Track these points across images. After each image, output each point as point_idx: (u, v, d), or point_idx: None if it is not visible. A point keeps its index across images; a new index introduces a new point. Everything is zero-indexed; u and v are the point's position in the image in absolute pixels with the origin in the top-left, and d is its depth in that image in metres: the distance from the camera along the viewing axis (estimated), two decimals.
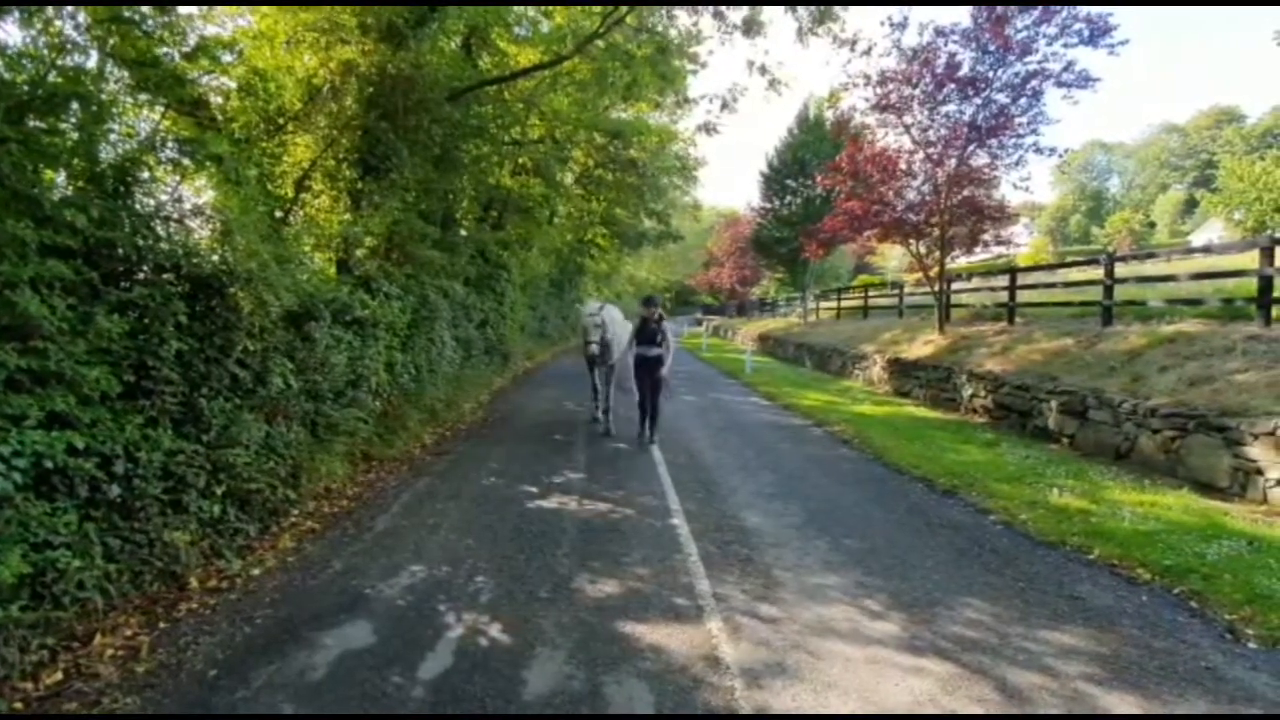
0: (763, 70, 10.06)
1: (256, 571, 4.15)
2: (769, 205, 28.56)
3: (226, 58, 6.26)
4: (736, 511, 5.38)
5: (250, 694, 2.84)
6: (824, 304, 25.74)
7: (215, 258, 4.60)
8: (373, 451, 6.93)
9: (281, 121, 7.51)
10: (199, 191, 6.93)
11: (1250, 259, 8.67)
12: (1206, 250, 10.25)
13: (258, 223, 6.09)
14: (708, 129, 12.37)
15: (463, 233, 14.22)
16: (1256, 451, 5.70)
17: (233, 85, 7.17)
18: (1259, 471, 5.67)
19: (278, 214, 7.45)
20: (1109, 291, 9.94)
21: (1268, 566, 4.07)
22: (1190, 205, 59.44)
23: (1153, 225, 60.22)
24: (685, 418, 10.04)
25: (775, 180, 27.94)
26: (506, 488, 6.04)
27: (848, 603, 3.71)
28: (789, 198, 27.27)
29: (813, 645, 3.22)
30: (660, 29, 10.73)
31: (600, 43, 9.84)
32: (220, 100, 7.39)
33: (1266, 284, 7.68)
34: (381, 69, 6.97)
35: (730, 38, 9.80)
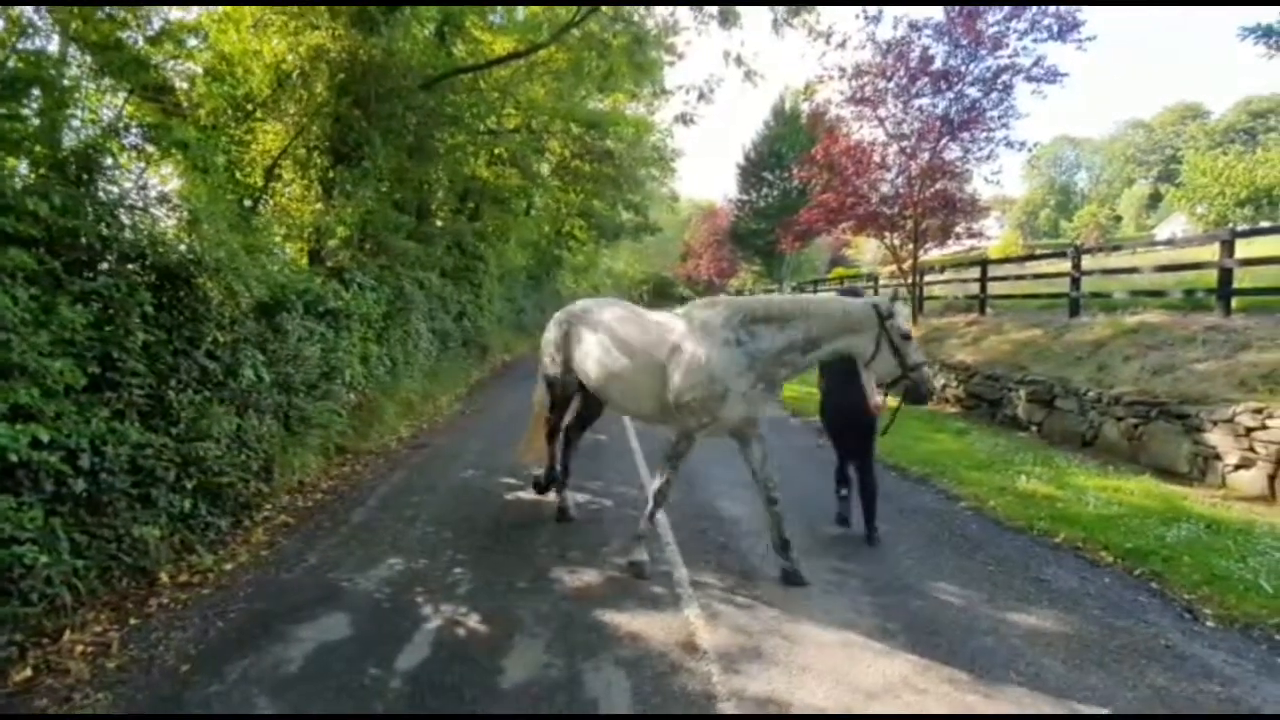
0: (739, 61, 10.08)
1: (229, 566, 4.09)
2: (746, 197, 28.70)
3: (192, 42, 6.10)
4: (714, 500, 5.43)
5: (224, 688, 2.80)
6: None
7: (182, 247, 4.50)
8: (348, 445, 6.85)
9: (250, 108, 7.35)
10: (165, 180, 6.77)
11: (1211, 252, 8.93)
12: (1170, 243, 10.55)
13: (226, 211, 5.98)
14: (685, 120, 12.37)
15: (439, 224, 14.06)
16: (1215, 438, 5.90)
17: (199, 70, 7.00)
18: (1217, 457, 5.87)
19: (247, 203, 7.31)
20: (1076, 284, 10.18)
21: (1225, 549, 4.23)
22: (1155, 199, 60.93)
23: (1119, 219, 61.62)
24: None
25: (752, 172, 28.07)
26: (484, 480, 6.02)
27: (823, 588, 3.78)
28: (765, 190, 27.44)
29: (788, 630, 3.28)
30: (637, 19, 10.67)
31: (576, 32, 9.76)
32: (186, 86, 7.20)
33: (1226, 276, 7.93)
34: (353, 55, 6.84)
35: (706, 28, 9.80)
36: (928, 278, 16.12)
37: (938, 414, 9.74)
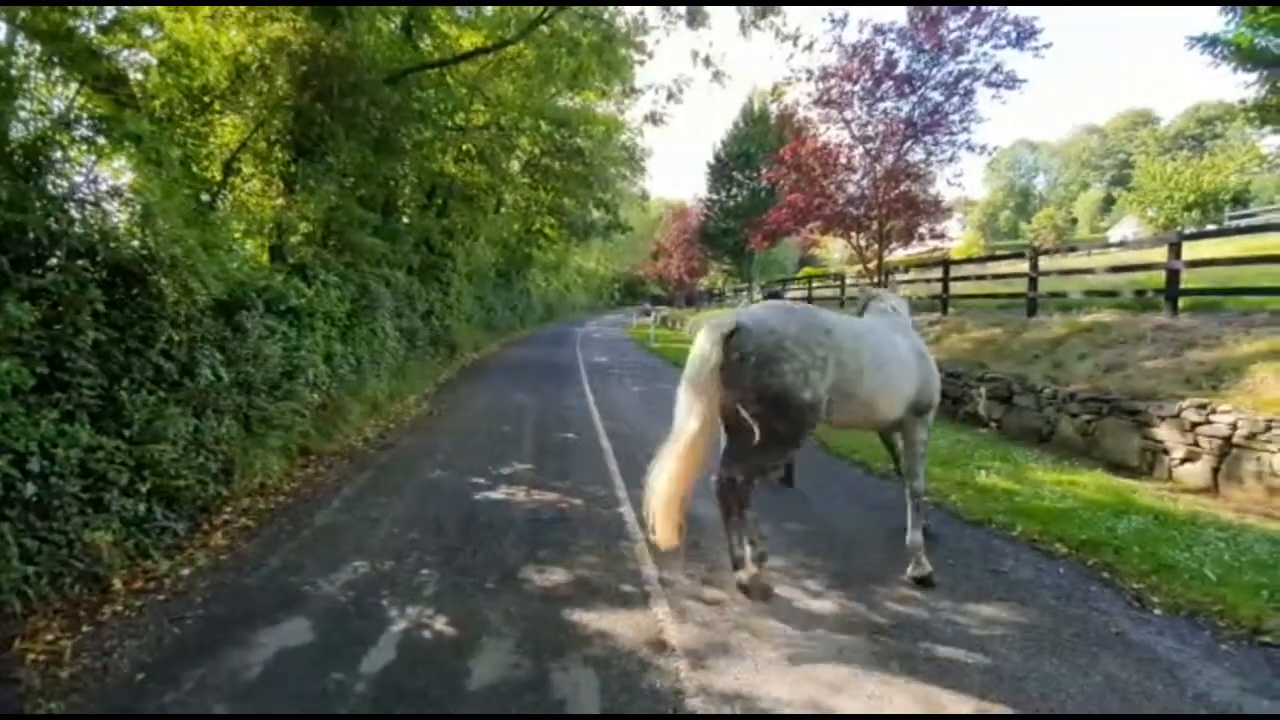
0: (707, 62, 10.14)
1: (186, 571, 3.98)
2: (715, 197, 28.87)
3: (147, 32, 5.89)
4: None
5: (180, 696, 2.73)
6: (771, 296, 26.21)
7: (135, 243, 4.35)
8: (311, 445, 6.71)
9: (207, 100, 7.14)
10: (118, 173, 6.55)
11: (1161, 254, 9.28)
12: (1122, 245, 10.92)
13: (181, 206, 5.80)
14: (654, 119, 12.40)
15: (405, 220, 13.85)
16: (1163, 433, 6.14)
17: (154, 61, 6.77)
18: (1165, 451, 6.11)
19: (204, 197, 7.10)
20: (1033, 284, 10.49)
21: (1171, 539, 4.40)
22: (1109, 203, 63.06)
23: (1075, 221, 63.64)
24: (634, 408, 10.09)
25: (721, 172, 28.25)
26: (453, 480, 5.95)
27: (789, 583, 3.83)
28: (735, 190, 27.64)
29: (755, 625, 3.32)
30: (607, 17, 10.64)
31: (545, 28, 9.70)
32: (140, 77, 6.96)
33: (1174, 277, 8.25)
34: (315, 48, 6.69)
35: (675, 27, 9.84)
36: (893, 277, 16.45)
37: None
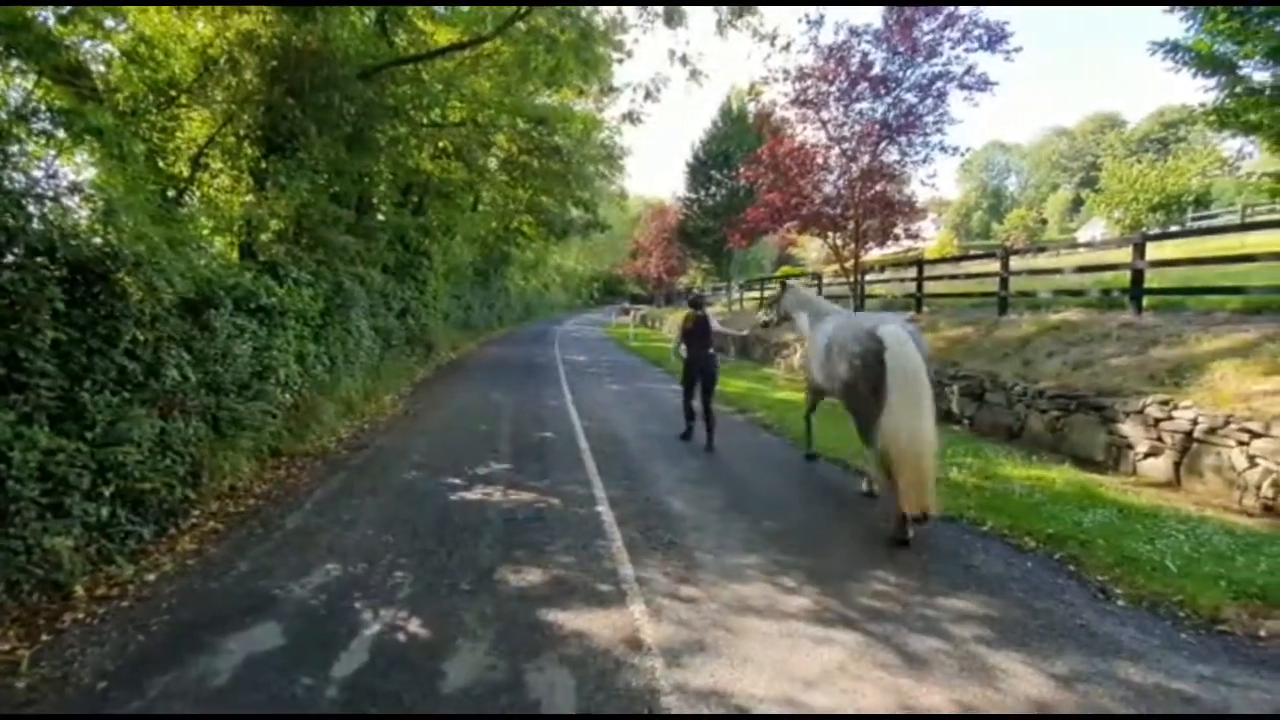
0: (684, 60, 10.16)
1: (152, 576, 3.90)
2: (694, 196, 28.94)
3: (109, 23, 5.73)
4: (661, 497, 5.46)
5: (145, 704, 2.67)
6: (748, 294, 26.33)
7: (97, 240, 4.24)
8: (283, 447, 6.60)
9: (174, 93, 6.97)
10: (80, 169, 6.37)
11: (1125, 254, 9.51)
12: (1089, 246, 11.16)
13: (147, 202, 5.67)
14: (632, 118, 12.40)
15: (380, 217, 13.68)
16: (1127, 428, 6.28)
17: (117, 53, 6.59)
18: (1129, 446, 6.26)
19: (171, 193, 6.94)
20: (1004, 283, 10.66)
21: (1135, 531, 4.51)
22: (1077, 204, 64.44)
23: (1045, 222, 64.96)
24: (612, 407, 10.08)
25: (700, 171, 28.33)
26: (428, 480, 5.89)
27: (765, 580, 3.86)
28: (714, 189, 27.74)
29: (731, 623, 3.33)
30: (585, 14, 10.60)
31: (522, 25, 9.63)
32: (103, 69, 6.77)
33: (1138, 276, 8.45)
34: (286, 41, 6.56)
35: (652, 26, 9.84)
36: (870, 276, 16.63)
37: None
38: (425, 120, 13.80)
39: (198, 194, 7.18)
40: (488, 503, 5.26)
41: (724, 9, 8.93)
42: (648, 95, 11.47)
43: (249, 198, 7.01)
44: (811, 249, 45.75)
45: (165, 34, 6.49)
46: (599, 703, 2.68)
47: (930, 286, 13.56)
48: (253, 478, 5.82)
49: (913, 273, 13.70)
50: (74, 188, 4.44)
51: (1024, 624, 3.38)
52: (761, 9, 9.28)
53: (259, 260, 7.29)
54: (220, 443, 5.56)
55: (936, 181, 21.50)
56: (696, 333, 7.15)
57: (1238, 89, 5.61)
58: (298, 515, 4.98)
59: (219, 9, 6.41)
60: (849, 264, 14.26)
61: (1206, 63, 5.67)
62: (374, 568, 3.99)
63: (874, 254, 16.61)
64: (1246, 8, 5.02)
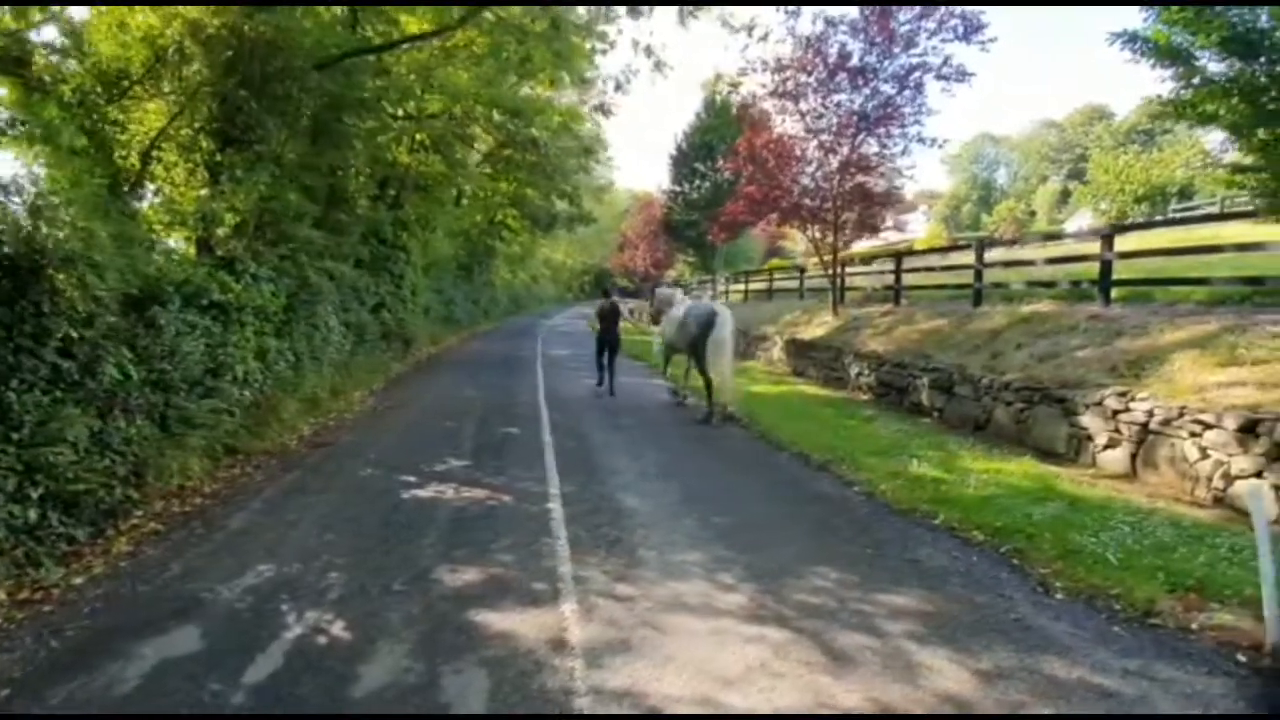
0: (648, 51, 10.08)
1: (80, 580, 3.81)
2: (678, 189, 28.83)
3: (36, 16, 5.59)
4: (615, 493, 5.42)
5: (45, 712, 2.60)
6: (734, 286, 26.31)
7: (24, 235, 4.13)
8: (239, 445, 6.50)
9: (125, 85, 6.82)
10: (32, 161, 6.25)
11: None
12: (1059, 238, 11.15)
13: (91, 197, 5.56)
14: (603, 109, 12.32)
15: (359, 211, 13.52)
16: (1088, 420, 6.28)
17: (61, 42, 6.45)
18: (1089, 438, 6.26)
19: (123, 188, 6.81)
20: (979, 275, 10.65)
21: (1082, 524, 4.49)
22: (1065, 196, 64.56)
23: (1033, 214, 65.05)
24: (584, 401, 10.03)
25: (683, 164, 28.22)
26: (383, 478, 5.82)
27: (704, 577, 3.81)
28: (697, 181, 27.63)
29: (661, 621, 3.29)
30: (558, 10, 10.47)
31: (490, 14, 9.49)
32: (55, 59, 6.62)
33: (1106, 268, 8.44)
34: (237, 32, 6.42)
35: (617, 18, 9.73)
36: (851, 269, 16.61)
37: (851, 401, 10.06)
38: (401, 113, 13.66)
39: (151, 188, 7.03)
40: (439, 500, 5.20)
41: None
42: (618, 87, 11.41)
43: (204, 191, 6.89)
44: (801, 241, 45.75)
45: (108, 23, 6.35)
46: (512, 704, 2.63)
47: (909, 279, 13.54)
48: (204, 476, 5.73)
49: (891, 265, 13.69)
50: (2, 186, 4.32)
51: (958, 619, 3.36)
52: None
53: (216, 255, 7.18)
54: (168, 441, 5.47)
55: (915, 173, 21.31)
56: (608, 315, 10.50)
57: (1194, 80, 5.55)
58: (243, 515, 4.90)
59: None
60: (827, 256, 14.21)
61: (1164, 54, 5.61)
62: (309, 568, 3.92)
63: (863, 246, 16.60)
64: None
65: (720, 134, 26.09)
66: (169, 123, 6.63)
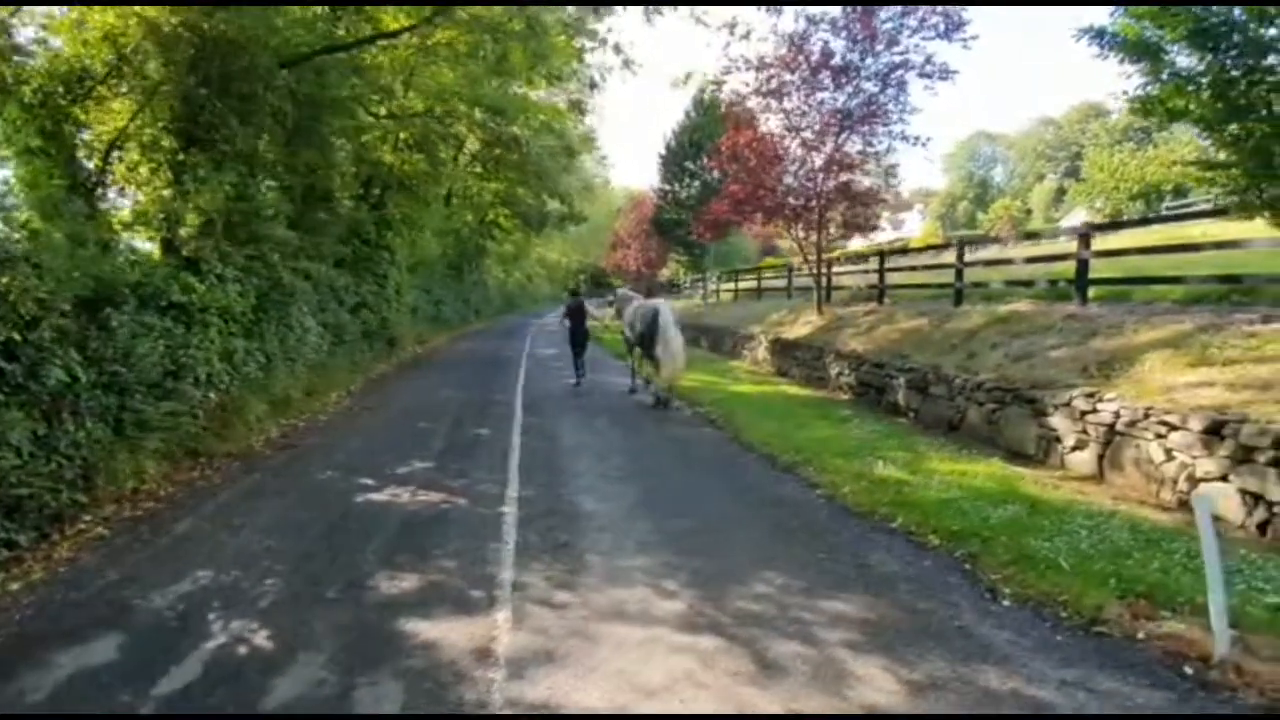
0: (617, 49, 10.03)
1: (16, 586, 3.76)
2: (668, 188, 28.71)
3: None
4: (574, 496, 5.35)
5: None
6: (724, 286, 26.23)
7: None
8: (202, 446, 6.45)
9: (89, 85, 6.75)
10: None
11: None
12: (1036, 236, 11.08)
13: (47, 199, 5.49)
14: (578, 107, 12.24)
15: (341, 211, 13.44)
16: (1056, 421, 6.20)
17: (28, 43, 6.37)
18: (1058, 439, 6.19)
19: (84, 189, 6.73)
20: (959, 274, 10.60)
21: (1040, 528, 4.42)
22: (1062, 194, 64.48)
23: (1030, 212, 64.97)
24: (562, 400, 9.97)
25: (673, 162, 28.13)
26: (342, 481, 5.76)
27: (647, 584, 3.75)
28: (687, 180, 27.51)
29: (593, 630, 3.23)
30: (532, 10, 10.39)
31: (464, 13, 9.41)
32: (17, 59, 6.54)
33: (1083, 267, 8.38)
34: (197, 30, 6.34)
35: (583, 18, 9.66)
36: (839, 268, 16.54)
37: (830, 402, 9.99)
38: (382, 112, 13.58)
39: (114, 189, 6.96)
40: (393, 504, 5.14)
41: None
42: (592, 85, 11.30)
43: (167, 192, 6.81)
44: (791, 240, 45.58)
45: (63, 22, 6.27)
46: None
47: (894, 278, 13.47)
48: (162, 479, 5.68)
49: (875, 264, 13.61)
50: None
51: (899, 627, 3.29)
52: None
53: (181, 256, 7.10)
54: (122, 444, 5.41)
55: (901, 171, 21.20)
56: (575, 313, 11.35)
57: (1163, 75, 5.47)
58: (192, 519, 4.84)
59: None
60: (812, 255, 14.12)
61: (1133, 48, 5.54)
62: (247, 575, 3.86)
63: (860, 244, 16.51)
64: None
65: (708, 132, 25.99)
66: (129, 122, 6.56)
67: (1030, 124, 78.48)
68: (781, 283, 20.78)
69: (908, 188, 77.66)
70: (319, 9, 10.01)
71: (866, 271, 14.72)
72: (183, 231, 6.84)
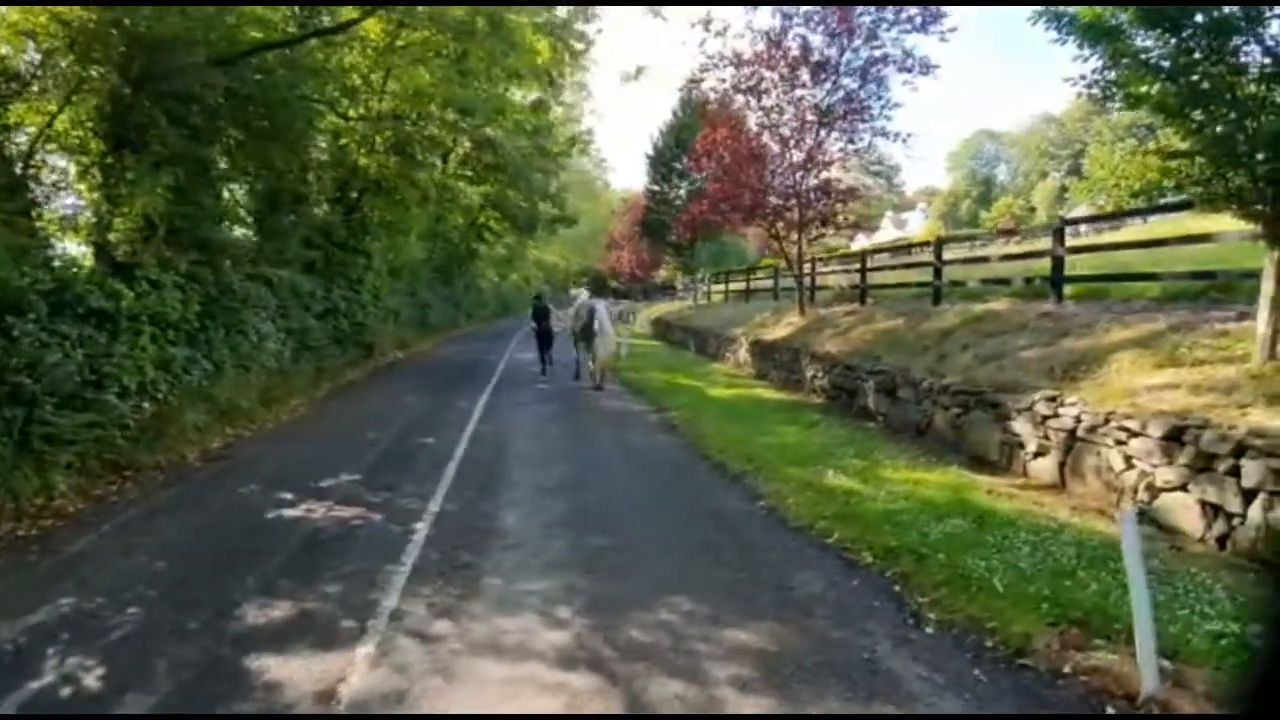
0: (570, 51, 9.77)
1: None
2: (656, 189, 28.41)
3: None
4: (497, 511, 5.06)
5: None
6: (715, 287, 25.90)
7: None
8: (126, 459, 6.18)
9: (13, 87, 6.52)
10: None
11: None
12: (1011, 235, 10.75)
13: None
14: (540, 106, 11.96)
15: (311, 214, 13.22)
16: (1019, 426, 5.87)
17: None
18: (1021, 445, 5.86)
19: (10, 191, 6.49)
20: (938, 273, 10.26)
21: (982, 543, 4.08)
22: (1064, 192, 63.82)
23: (1033, 210, 64.30)
24: (525, 407, 9.69)
25: (660, 163, 27.85)
26: (260, 496, 5.48)
27: (539, 610, 3.44)
28: (675, 181, 27.20)
29: (459, 667, 2.93)
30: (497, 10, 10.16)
31: (423, 11, 9.16)
32: None
33: (1059, 263, 8.05)
34: (117, 26, 6.10)
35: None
36: (826, 268, 16.22)
37: (803, 405, 9.68)
38: (353, 114, 13.37)
39: (41, 193, 6.72)
40: (303, 521, 4.86)
41: None
42: (550, 82, 11.05)
43: (94, 196, 6.58)
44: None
45: None
46: None
47: (877, 277, 13.13)
48: (75, 495, 5.42)
49: (877, 261, 13.29)
50: None
51: (799, 661, 2.97)
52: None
53: (114, 261, 6.86)
54: (26, 459, 5.16)
55: (902, 172, 20.85)
56: (540, 314, 13.30)
57: (1124, 60, 5.14)
58: (89, 539, 4.57)
59: None
60: (792, 254, 13.79)
61: (1093, 32, 5.20)
62: (112, 602, 3.58)
63: (862, 243, 16.14)
64: None
65: (695, 132, 25.63)
66: (48, 124, 6.32)
67: (1033, 121, 77.72)
68: (768, 282, 20.45)
69: (911, 187, 77.29)
70: (258, 8, 9.67)
71: (847, 271, 14.38)
72: (112, 236, 6.59)
